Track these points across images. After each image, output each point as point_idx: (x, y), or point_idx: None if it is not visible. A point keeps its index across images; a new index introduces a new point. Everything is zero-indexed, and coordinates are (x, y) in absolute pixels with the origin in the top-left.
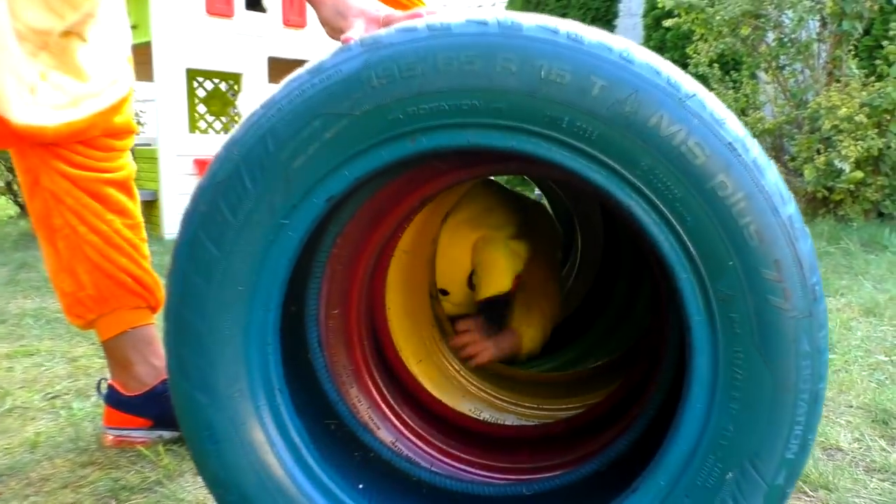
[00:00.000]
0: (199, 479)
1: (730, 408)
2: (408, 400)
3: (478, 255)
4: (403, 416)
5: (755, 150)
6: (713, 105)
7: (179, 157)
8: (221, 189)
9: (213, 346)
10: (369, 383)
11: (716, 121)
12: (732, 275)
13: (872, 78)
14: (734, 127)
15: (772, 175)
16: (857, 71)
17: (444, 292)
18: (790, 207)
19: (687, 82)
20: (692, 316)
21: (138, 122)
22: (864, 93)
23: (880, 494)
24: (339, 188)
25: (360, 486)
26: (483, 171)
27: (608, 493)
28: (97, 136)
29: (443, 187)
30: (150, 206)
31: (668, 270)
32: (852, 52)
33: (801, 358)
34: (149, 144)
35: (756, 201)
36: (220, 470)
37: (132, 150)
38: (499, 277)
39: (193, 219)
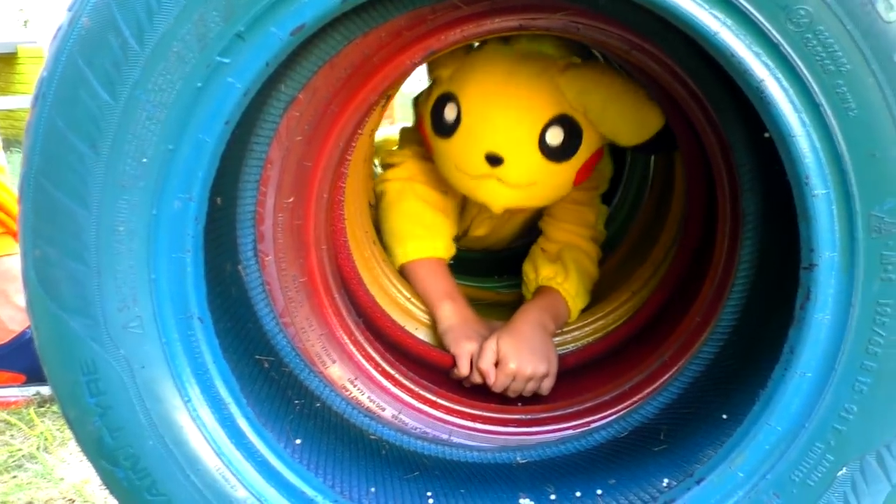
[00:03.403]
0: None
1: (858, 382)
2: (367, 326)
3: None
4: (365, 344)
5: None
6: None
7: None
8: None
9: (99, 250)
10: (325, 301)
11: None
12: None
13: None
14: None
15: None
16: None
17: (495, 159)
18: None
19: None
20: (821, 252)
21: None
22: None
23: None
24: (314, 13)
25: (298, 441)
26: (513, 24)
27: (631, 466)
28: None
29: (455, 41)
30: None
31: (796, 182)
32: None
33: None
34: (34, 43)
35: None
36: (107, 433)
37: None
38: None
39: (70, 39)
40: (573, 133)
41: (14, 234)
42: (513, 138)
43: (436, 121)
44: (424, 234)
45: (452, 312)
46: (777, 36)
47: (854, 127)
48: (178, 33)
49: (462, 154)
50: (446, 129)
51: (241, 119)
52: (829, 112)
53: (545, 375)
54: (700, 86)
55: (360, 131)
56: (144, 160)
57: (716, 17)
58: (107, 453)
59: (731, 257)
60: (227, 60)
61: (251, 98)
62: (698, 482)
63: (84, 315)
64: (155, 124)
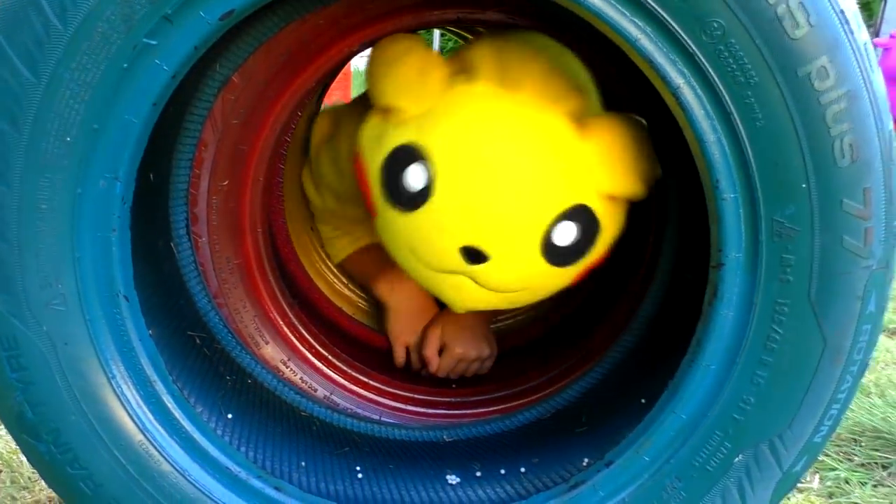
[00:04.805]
0: None
1: (756, 375)
2: (304, 307)
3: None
4: (300, 326)
5: (864, 31)
6: None
7: None
8: None
9: (20, 227)
10: (260, 283)
11: None
12: (802, 202)
13: None
14: None
15: (878, 71)
16: None
17: (475, 255)
18: (891, 121)
19: None
20: (727, 252)
21: None
22: None
23: None
24: None
25: (230, 416)
26: (451, 17)
27: (553, 446)
28: None
29: (394, 31)
30: None
31: (708, 185)
32: None
33: (864, 321)
34: None
35: (860, 104)
36: (28, 408)
37: None
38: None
39: None
40: (589, 229)
41: None
42: (507, 233)
43: (390, 182)
44: (344, 232)
45: (392, 300)
46: (692, 46)
47: (760, 136)
48: (103, 13)
49: (426, 239)
50: (406, 200)
51: (172, 97)
52: (738, 121)
53: (488, 357)
54: (631, 89)
55: (298, 115)
56: (68, 139)
57: (636, 24)
58: (28, 427)
59: (656, 253)
60: (154, 42)
61: (181, 79)
62: (608, 465)
63: (4, 291)
64: (79, 103)
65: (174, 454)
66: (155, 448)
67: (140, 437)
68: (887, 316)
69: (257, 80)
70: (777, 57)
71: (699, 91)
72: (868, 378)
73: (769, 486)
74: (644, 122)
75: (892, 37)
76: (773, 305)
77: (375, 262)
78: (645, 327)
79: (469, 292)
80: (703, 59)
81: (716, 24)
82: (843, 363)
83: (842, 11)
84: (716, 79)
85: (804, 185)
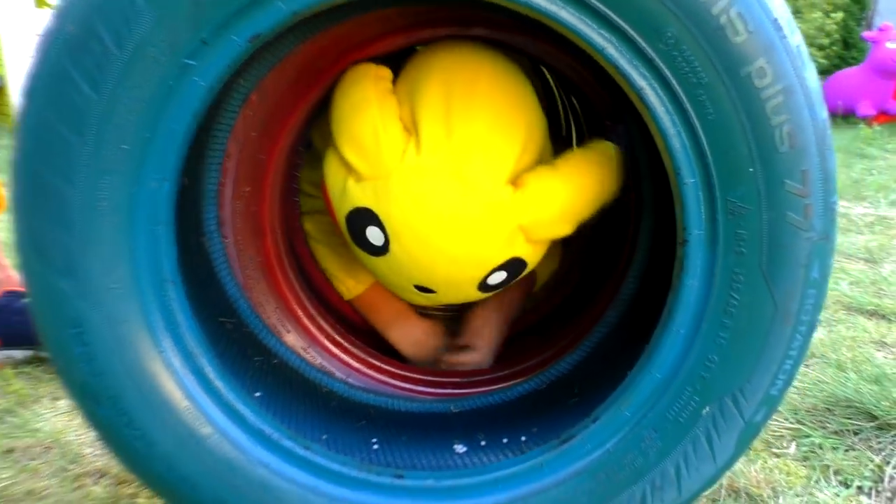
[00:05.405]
0: (58, 404)
1: (719, 337)
2: (321, 301)
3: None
4: (318, 317)
5: (797, 35)
6: None
7: (28, 37)
8: (100, 4)
9: (84, 221)
10: (280, 279)
11: None
12: (750, 184)
13: None
14: (778, 1)
15: (811, 69)
16: None
17: (426, 289)
18: (824, 111)
19: None
20: (690, 230)
21: None
22: None
23: None
24: (268, 24)
25: (258, 394)
26: (442, 34)
27: (550, 416)
28: None
29: (390, 49)
30: None
31: (671, 172)
32: None
33: (809, 286)
34: None
35: (795, 98)
36: (91, 378)
37: None
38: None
39: (58, 43)
40: (518, 269)
41: None
42: (449, 281)
43: (355, 235)
44: (350, 268)
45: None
46: (651, 52)
47: (713, 128)
48: (153, 40)
49: (388, 277)
50: (370, 249)
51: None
52: (693, 115)
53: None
54: (606, 90)
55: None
56: (124, 146)
57: (602, 35)
58: (90, 394)
59: (635, 236)
60: (193, 63)
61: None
62: (594, 421)
63: (71, 277)
64: (134, 116)
65: (216, 417)
66: (199, 412)
67: (186, 403)
68: (866, 298)
69: (272, 97)
70: (722, 60)
71: (659, 91)
72: (846, 356)
73: (733, 435)
74: (607, 144)
75: (880, 30)
76: (730, 275)
77: (380, 305)
78: (627, 304)
79: (429, 304)
80: (662, 64)
81: (669, 34)
82: (792, 323)
83: (775, 19)
84: (673, 80)
85: (751, 169)
